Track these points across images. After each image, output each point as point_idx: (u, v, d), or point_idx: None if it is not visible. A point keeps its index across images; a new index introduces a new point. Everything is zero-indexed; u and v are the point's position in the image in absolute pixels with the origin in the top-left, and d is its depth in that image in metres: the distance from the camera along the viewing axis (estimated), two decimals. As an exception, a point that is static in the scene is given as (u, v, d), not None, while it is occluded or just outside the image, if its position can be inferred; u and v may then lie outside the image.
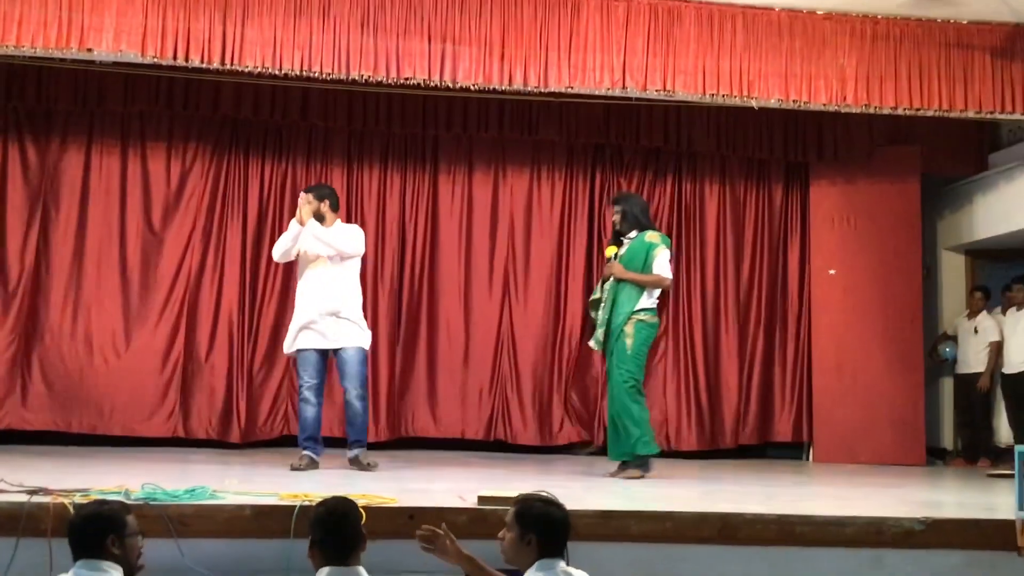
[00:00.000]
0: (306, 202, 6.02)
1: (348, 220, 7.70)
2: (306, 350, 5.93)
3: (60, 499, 4.01)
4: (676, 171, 8.27)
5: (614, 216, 6.17)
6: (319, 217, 6.03)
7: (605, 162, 8.20)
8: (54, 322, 7.37)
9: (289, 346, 6.03)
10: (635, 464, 5.91)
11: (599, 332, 6.02)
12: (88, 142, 7.54)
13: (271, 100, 7.57)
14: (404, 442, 7.70)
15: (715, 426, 7.98)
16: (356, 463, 5.87)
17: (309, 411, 5.90)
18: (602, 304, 6.06)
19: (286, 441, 7.48)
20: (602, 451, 6.81)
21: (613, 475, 5.89)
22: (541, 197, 8.03)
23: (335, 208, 6.15)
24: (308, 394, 5.90)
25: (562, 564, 3.38)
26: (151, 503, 4.05)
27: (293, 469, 5.72)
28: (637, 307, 5.95)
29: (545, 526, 3.39)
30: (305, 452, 5.87)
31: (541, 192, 8.05)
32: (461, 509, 4.24)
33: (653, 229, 6.13)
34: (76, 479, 4.82)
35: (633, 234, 6.09)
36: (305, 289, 5.99)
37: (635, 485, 5.58)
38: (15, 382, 7.23)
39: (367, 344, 6.00)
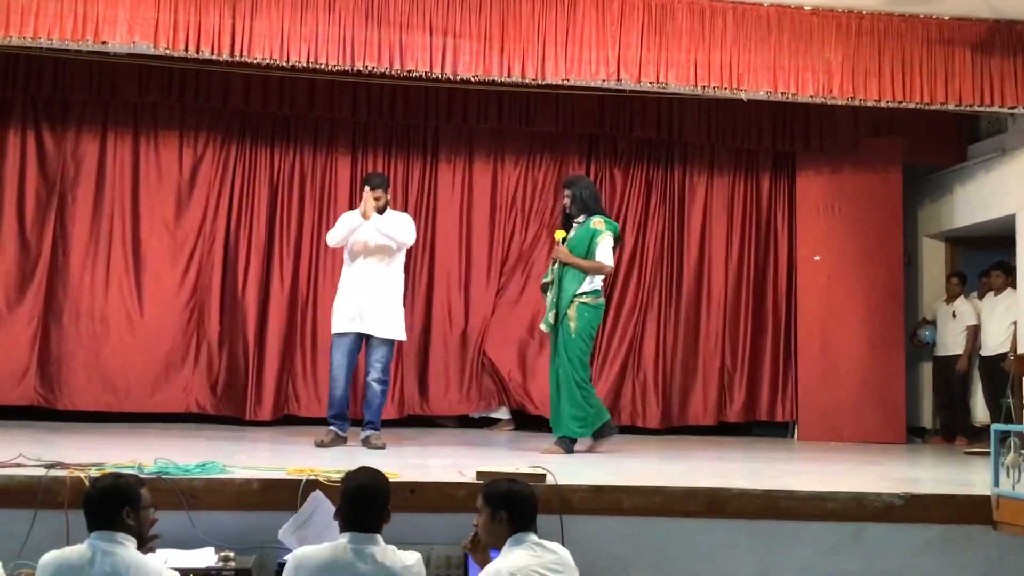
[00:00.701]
0: (373, 198, 5.99)
1: (352, 203, 7.72)
2: (345, 333, 6.00)
3: (76, 473, 4.04)
4: (668, 161, 8.26)
5: (564, 199, 6.14)
6: (380, 209, 6.05)
7: (600, 152, 8.19)
8: (71, 303, 7.38)
9: (336, 327, 6.04)
10: (561, 443, 5.91)
11: (549, 315, 6.01)
12: (103, 131, 7.54)
13: (279, 91, 7.57)
14: (410, 420, 7.71)
15: (693, 404, 7.99)
16: (367, 443, 5.95)
17: (338, 390, 5.98)
18: (550, 287, 6.07)
19: (295, 419, 7.51)
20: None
21: (545, 450, 5.82)
22: (537, 185, 8.02)
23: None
24: (338, 373, 5.98)
25: (533, 536, 3.41)
26: (163, 477, 4.08)
27: (318, 446, 5.79)
28: (580, 290, 5.93)
29: (512, 502, 3.43)
30: (331, 428, 5.95)
31: (537, 180, 8.04)
32: (460, 484, 4.26)
33: (601, 214, 6.09)
34: (91, 454, 4.84)
35: (581, 218, 6.06)
36: (353, 275, 6.04)
37: (627, 461, 5.61)
38: (34, 361, 7.24)
39: (401, 337, 6.08)
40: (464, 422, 7.78)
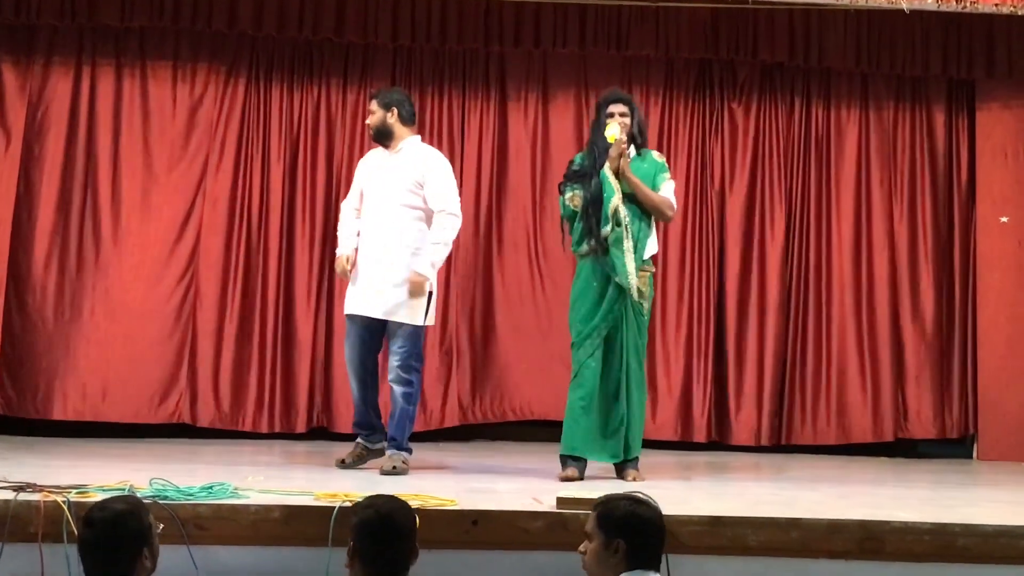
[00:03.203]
0: (369, 111, 6.13)
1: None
2: (352, 316, 6.08)
3: (52, 496, 4.14)
4: (804, 93, 8.16)
5: (622, 118, 5.87)
6: (386, 132, 6.04)
7: (712, 82, 8.13)
8: (37, 283, 7.52)
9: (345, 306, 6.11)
10: (635, 464, 5.85)
11: (632, 273, 5.70)
12: (77, 64, 7.64)
13: (299, 12, 7.63)
14: (469, 429, 7.78)
15: (819, 416, 7.92)
16: (382, 466, 5.88)
17: (356, 391, 6.09)
18: (617, 223, 5.75)
19: (323, 433, 7.61)
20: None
21: (633, 478, 5.74)
22: (633, 126, 7.99)
23: (409, 120, 6.15)
24: (350, 369, 6.08)
25: None
26: (161, 502, 4.16)
27: (339, 466, 5.94)
28: (648, 253, 5.84)
29: (634, 529, 3.42)
30: (357, 441, 6.06)
31: (633, 120, 8.00)
32: (536, 513, 4.29)
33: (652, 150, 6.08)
34: (69, 473, 4.97)
35: (632, 151, 5.93)
36: (366, 238, 6.11)
37: (750, 485, 5.59)
38: (-7, 358, 7.40)
39: (426, 321, 6.05)
40: (532, 431, 7.79)
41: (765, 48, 7.95)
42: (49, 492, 4.22)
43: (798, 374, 7.97)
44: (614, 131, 5.78)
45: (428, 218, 5.99)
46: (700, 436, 7.86)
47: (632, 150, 5.91)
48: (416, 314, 5.90)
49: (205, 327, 7.60)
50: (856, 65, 8.03)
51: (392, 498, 3.59)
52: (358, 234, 6.11)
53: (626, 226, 5.75)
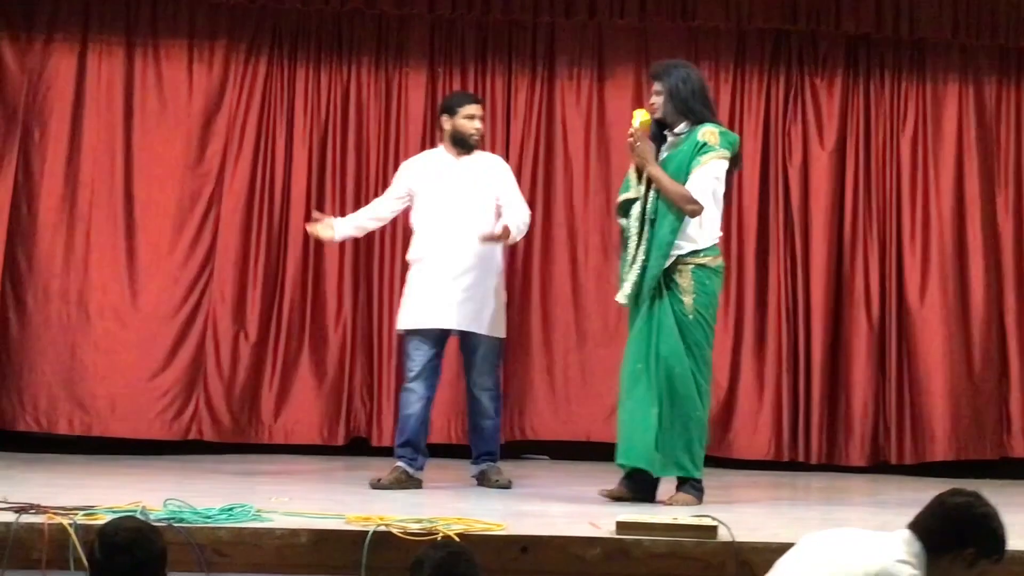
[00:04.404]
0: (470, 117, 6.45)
1: (430, 142, 7.78)
2: (421, 331, 6.35)
3: (57, 519, 4.19)
4: (895, 68, 8.09)
5: (653, 99, 5.92)
6: (465, 143, 6.37)
7: (790, 55, 8.08)
8: (38, 281, 7.59)
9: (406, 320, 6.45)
10: (690, 490, 5.75)
11: (633, 283, 5.76)
12: (83, 40, 7.69)
13: (327, -22, 7.70)
14: (516, 446, 7.79)
15: (934, 434, 7.83)
16: (484, 480, 6.27)
17: (411, 407, 6.30)
18: (637, 213, 5.81)
19: (359, 447, 7.66)
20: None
21: (671, 500, 5.69)
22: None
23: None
24: (415, 385, 6.31)
25: None
26: (176, 525, 4.20)
27: (373, 486, 6.05)
28: (690, 245, 5.76)
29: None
30: (398, 464, 6.19)
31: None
32: (593, 539, 4.30)
33: (712, 122, 5.89)
34: (75, 493, 5.03)
35: (682, 128, 5.88)
36: (431, 245, 6.40)
37: (835, 508, 5.56)
38: (-15, 362, 7.48)
39: (504, 333, 6.54)
40: (597, 450, 7.78)
41: (849, 17, 7.90)
42: (54, 514, 4.27)
43: (892, 385, 7.89)
44: (636, 115, 5.88)
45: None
46: (782, 455, 7.80)
47: (684, 125, 5.87)
48: (501, 326, 6.39)
49: (224, 332, 7.66)
50: (953, 36, 7.96)
51: (455, 546, 3.54)
52: (363, 225, 6.63)
53: (637, 230, 5.79)
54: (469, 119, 6.41)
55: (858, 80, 8.09)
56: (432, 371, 6.31)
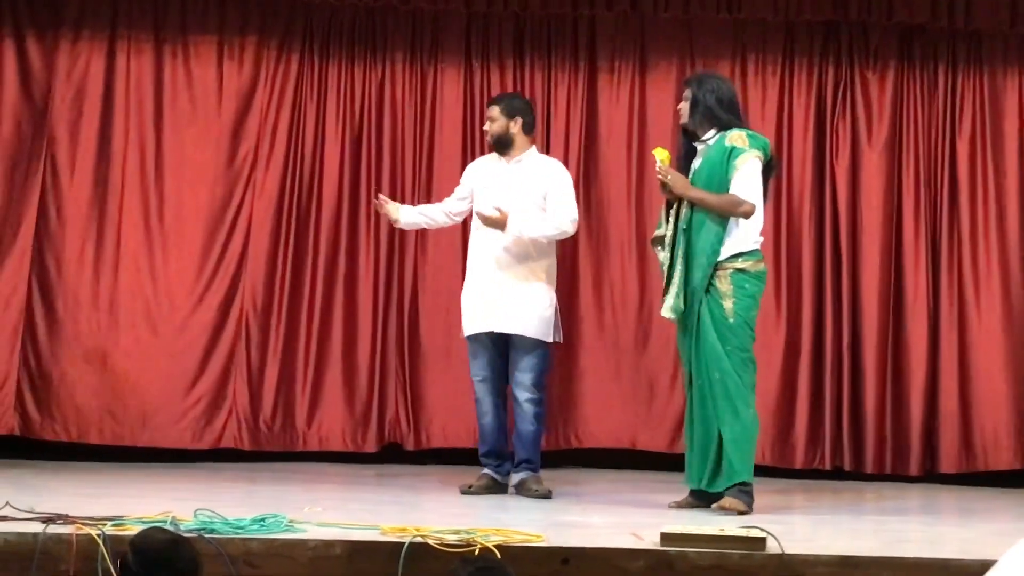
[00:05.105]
0: (488, 118, 6.65)
1: (468, 140, 7.79)
2: (476, 336, 6.55)
3: (85, 529, 4.22)
4: (950, 60, 8.03)
5: (680, 105, 6.14)
6: (507, 141, 6.51)
7: (840, 47, 8.03)
8: (67, 287, 7.64)
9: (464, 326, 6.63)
10: (738, 494, 5.76)
11: (676, 293, 5.92)
12: (111, 38, 7.74)
13: (359, -26, 7.73)
14: (561, 455, 7.79)
15: (988, 442, 7.75)
16: (522, 489, 6.33)
17: (485, 416, 6.55)
18: (668, 245, 6.01)
19: (393, 454, 7.68)
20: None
21: (719, 506, 5.74)
22: (746, 100, 7.93)
23: (530, 129, 6.70)
24: (480, 393, 6.54)
25: None
26: (207, 536, 4.22)
27: (463, 492, 6.34)
28: (729, 250, 5.87)
29: None
30: (484, 471, 6.47)
31: (747, 94, 7.95)
32: (636, 551, 4.29)
33: (739, 127, 6.03)
34: (103, 503, 5.08)
35: (711, 135, 6.02)
36: (481, 250, 6.59)
37: (890, 519, 5.52)
38: (13, 369, 7.51)
39: (554, 337, 6.61)
40: (635, 458, 7.78)
41: (902, 7, 7.85)
42: (82, 524, 4.30)
43: (943, 390, 7.84)
44: (658, 153, 6.04)
45: None
46: (825, 463, 7.76)
47: (712, 132, 6.00)
48: (548, 329, 6.46)
49: (256, 337, 7.70)
50: (1011, 26, 7.89)
51: (496, 563, 3.52)
52: (433, 222, 6.76)
53: (671, 241, 5.98)
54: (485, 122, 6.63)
55: (912, 73, 8.03)
56: (494, 376, 6.48)
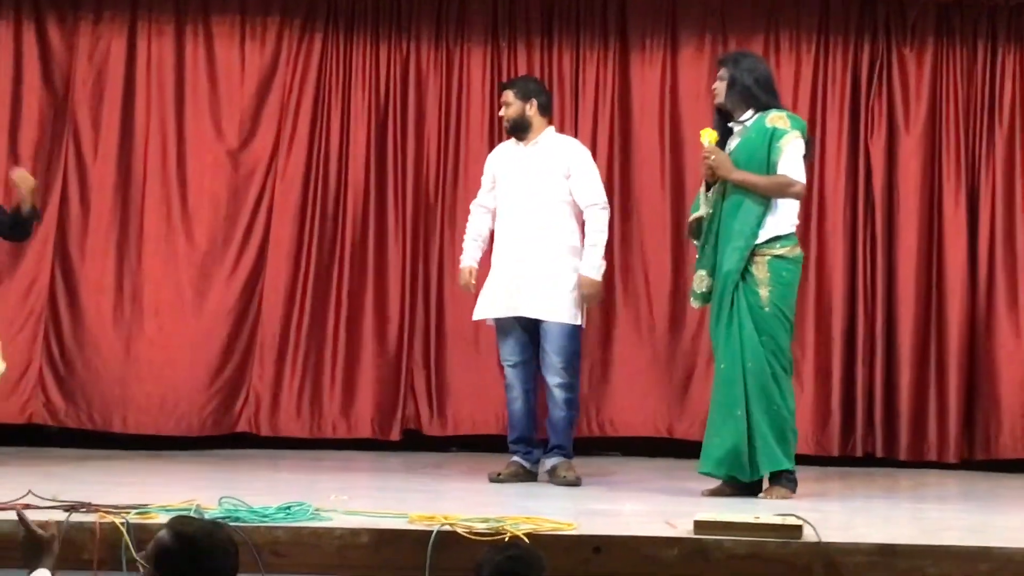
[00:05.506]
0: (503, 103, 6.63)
1: (494, 120, 7.76)
2: (503, 320, 6.53)
3: (108, 517, 4.24)
4: (989, 34, 7.98)
5: (715, 85, 6.13)
6: (524, 125, 6.51)
7: (877, 25, 7.98)
8: (90, 274, 7.67)
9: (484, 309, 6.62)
10: (782, 482, 5.78)
11: (703, 279, 5.95)
12: (132, 21, 7.76)
13: (383, -48, 7.72)
14: (594, 442, 7.77)
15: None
16: (554, 476, 6.34)
17: (515, 403, 6.51)
18: (702, 230, 6.01)
19: (411, 441, 7.68)
20: None
21: (766, 494, 5.77)
22: (779, 78, 7.87)
23: (546, 110, 6.67)
24: (512, 379, 6.51)
25: None
26: (231, 524, 4.20)
27: (492, 480, 6.33)
28: (766, 234, 5.85)
29: None
30: (514, 458, 6.45)
31: (780, 71, 7.89)
32: (670, 539, 4.27)
33: (777, 108, 6.03)
34: (126, 491, 5.10)
35: (749, 115, 6.00)
36: (506, 232, 6.58)
37: (928, 507, 5.49)
38: (36, 358, 7.55)
39: (579, 321, 6.54)
40: (668, 446, 7.76)
41: (940, -18, 7.81)
42: (106, 512, 4.32)
43: (984, 375, 7.79)
44: (704, 135, 6.01)
45: (574, 211, 6.50)
46: (856, 450, 7.73)
47: (749, 113, 5.98)
48: (576, 313, 6.42)
49: (279, 324, 7.71)
50: (1054, 0, 7.84)
51: (524, 551, 3.49)
52: (490, 236, 6.70)
53: (705, 228, 5.98)
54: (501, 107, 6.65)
55: (951, 50, 7.96)
56: (524, 361, 6.47)
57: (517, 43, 7.91)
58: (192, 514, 4.26)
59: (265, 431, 7.66)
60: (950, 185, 7.89)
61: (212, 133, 7.78)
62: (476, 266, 6.66)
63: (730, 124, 6.07)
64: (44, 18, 7.75)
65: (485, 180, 6.75)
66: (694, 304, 6.16)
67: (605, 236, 6.53)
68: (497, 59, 7.92)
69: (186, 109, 7.77)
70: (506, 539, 4.13)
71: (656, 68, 7.95)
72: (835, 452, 7.68)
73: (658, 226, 7.88)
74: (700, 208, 6.06)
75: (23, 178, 6.42)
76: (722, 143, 6.07)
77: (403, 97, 7.89)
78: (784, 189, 5.88)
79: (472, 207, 6.82)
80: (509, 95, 6.60)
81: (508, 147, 6.72)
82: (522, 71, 7.75)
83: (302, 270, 7.76)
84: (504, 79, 7.79)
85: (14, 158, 7.55)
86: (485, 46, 7.92)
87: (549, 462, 6.39)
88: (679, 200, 7.82)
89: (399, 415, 7.72)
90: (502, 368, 6.65)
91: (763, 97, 6.01)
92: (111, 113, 7.73)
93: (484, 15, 7.93)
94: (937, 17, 7.97)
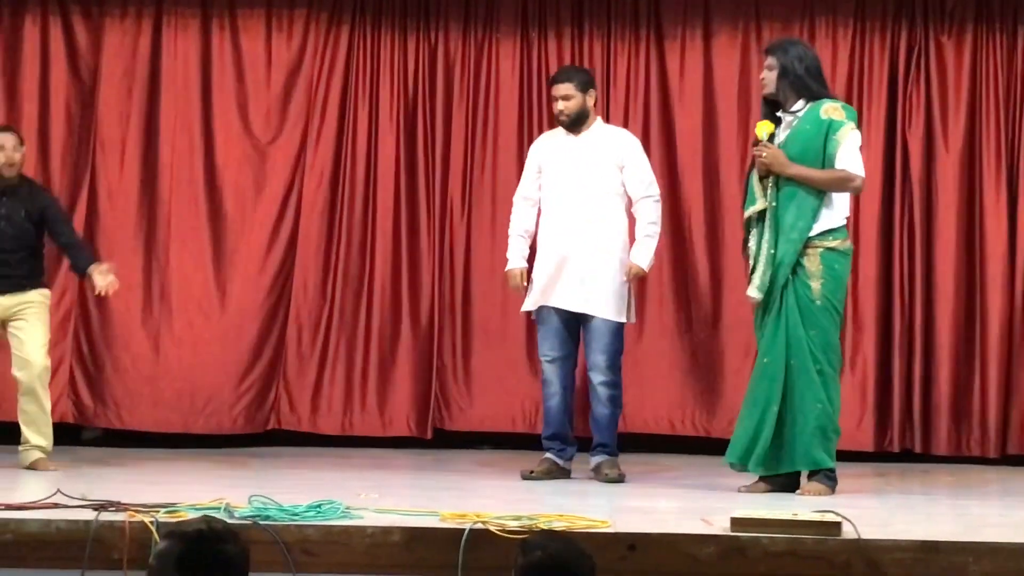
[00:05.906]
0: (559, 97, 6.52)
1: (524, 112, 7.75)
2: (548, 311, 6.49)
3: (138, 516, 4.26)
4: (1030, 21, 7.93)
5: (763, 74, 6.06)
6: (584, 117, 6.47)
7: (914, 10, 7.94)
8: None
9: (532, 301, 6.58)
10: (823, 479, 5.77)
11: (763, 273, 5.88)
12: (157, 15, 7.78)
13: (410, -58, 7.73)
14: (628, 440, 7.73)
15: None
16: (598, 473, 6.32)
17: (552, 398, 6.48)
18: (756, 223, 5.97)
19: (441, 440, 7.68)
20: None
21: (804, 491, 5.76)
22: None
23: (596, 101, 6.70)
24: (550, 374, 6.45)
25: None
26: (261, 523, 4.23)
27: (525, 477, 6.32)
28: (819, 227, 5.83)
29: None
30: (546, 455, 6.42)
31: (821, 62, 7.84)
32: (706, 537, 4.27)
33: (829, 98, 6.00)
34: (156, 490, 5.13)
35: (799, 106, 5.96)
36: (553, 225, 6.55)
37: (969, 503, 5.47)
38: (66, 356, 7.59)
39: (627, 318, 6.55)
40: (703, 443, 7.73)
41: (977, -33, 7.76)
42: (135, 511, 4.33)
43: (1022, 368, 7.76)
44: (761, 128, 5.95)
45: (624, 204, 6.51)
46: (893, 445, 7.69)
47: (800, 103, 5.94)
48: (623, 309, 6.41)
49: (310, 321, 7.74)
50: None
51: (570, 542, 3.49)
52: (535, 231, 6.62)
53: (758, 219, 5.93)
54: (553, 101, 6.56)
55: (991, 36, 7.90)
56: (564, 357, 6.44)
57: (547, 34, 7.90)
58: (221, 513, 4.28)
59: (295, 428, 7.68)
60: (990, 175, 7.84)
61: (239, 128, 7.80)
62: (526, 266, 6.63)
63: (778, 114, 6.03)
64: (70, 13, 7.78)
65: (529, 170, 6.69)
66: (754, 295, 5.97)
67: (659, 228, 6.53)
68: (527, 50, 7.91)
69: (213, 104, 7.80)
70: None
71: (690, 57, 7.92)
72: (871, 447, 7.65)
73: (695, 219, 7.86)
74: (757, 201, 6.00)
75: (110, 284, 6.48)
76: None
77: (431, 89, 7.89)
78: (844, 184, 5.88)
79: (516, 200, 6.74)
80: (569, 88, 6.50)
81: (556, 136, 6.65)
82: (552, 62, 7.75)
83: (332, 265, 7.78)
84: (534, 70, 7.80)
85: (44, 156, 7.63)
86: (515, 37, 7.91)
87: (594, 460, 6.38)
88: (713, 190, 7.82)
89: (431, 412, 7.74)
90: (553, 361, 6.50)
91: (814, 86, 5.98)
92: (138, 108, 7.77)
93: (514, 5, 7.92)
94: (977, 3, 7.92)
